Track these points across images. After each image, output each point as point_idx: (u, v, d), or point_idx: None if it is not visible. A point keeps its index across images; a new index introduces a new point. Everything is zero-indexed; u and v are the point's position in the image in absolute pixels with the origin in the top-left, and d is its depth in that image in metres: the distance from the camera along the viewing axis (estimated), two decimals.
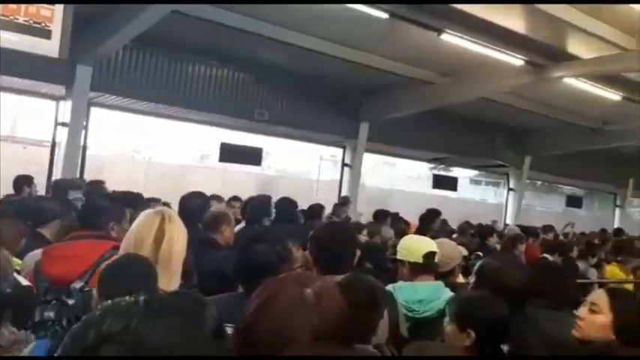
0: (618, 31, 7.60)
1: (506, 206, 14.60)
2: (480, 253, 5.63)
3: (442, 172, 14.45)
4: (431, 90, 9.95)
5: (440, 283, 2.79)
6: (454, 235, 8.08)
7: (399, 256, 2.87)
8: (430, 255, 2.81)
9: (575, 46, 8.17)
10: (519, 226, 9.21)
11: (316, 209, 6.77)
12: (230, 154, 10.13)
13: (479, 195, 16.49)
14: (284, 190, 8.62)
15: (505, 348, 2.04)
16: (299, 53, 8.45)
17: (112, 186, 5.42)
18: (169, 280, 2.12)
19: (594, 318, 2.14)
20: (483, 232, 7.55)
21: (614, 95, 9.84)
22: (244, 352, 1.22)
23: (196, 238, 3.21)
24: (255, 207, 4.70)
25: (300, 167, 12.24)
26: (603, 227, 13.06)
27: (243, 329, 1.24)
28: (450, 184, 13.87)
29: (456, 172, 14.77)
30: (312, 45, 8.22)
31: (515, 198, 14.48)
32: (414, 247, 2.85)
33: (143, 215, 2.26)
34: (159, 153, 10.61)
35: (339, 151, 11.74)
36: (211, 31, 7.70)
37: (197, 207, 4.07)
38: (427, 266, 2.80)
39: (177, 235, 2.22)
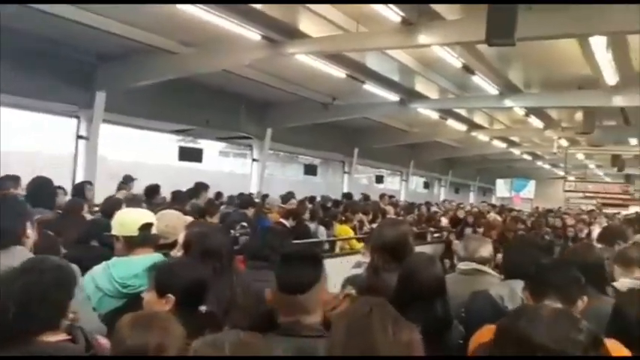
0: (343, 14, 8.40)
1: (252, 176, 15.24)
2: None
3: (190, 145, 14.36)
4: (173, 59, 9.69)
5: (158, 255, 2.71)
6: (223, 207, 8.44)
7: (113, 232, 2.72)
8: (146, 227, 2.73)
9: (307, 26, 8.75)
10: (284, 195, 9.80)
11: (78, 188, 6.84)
12: None
13: (227, 166, 16.82)
14: (4, 166, 7.56)
15: (203, 308, 2.11)
16: (20, 11, 7.36)
17: None
18: None
19: None
20: (245, 202, 8.32)
21: (339, 73, 10.84)
22: None
23: None
24: None
25: (26, 140, 10.76)
26: (346, 192, 14.68)
27: None
28: (195, 156, 13.90)
29: (204, 144, 14.83)
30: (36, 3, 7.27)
31: (258, 168, 15.19)
32: (127, 220, 2.73)
33: None
34: None
35: (73, 122, 10.72)
36: None
37: None
38: (144, 239, 2.72)
39: None
